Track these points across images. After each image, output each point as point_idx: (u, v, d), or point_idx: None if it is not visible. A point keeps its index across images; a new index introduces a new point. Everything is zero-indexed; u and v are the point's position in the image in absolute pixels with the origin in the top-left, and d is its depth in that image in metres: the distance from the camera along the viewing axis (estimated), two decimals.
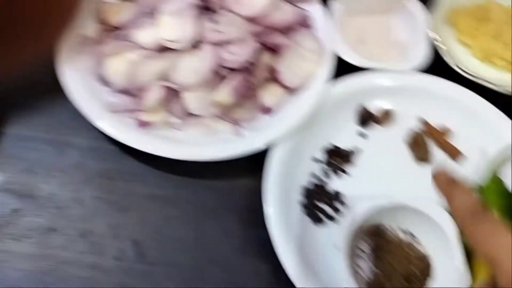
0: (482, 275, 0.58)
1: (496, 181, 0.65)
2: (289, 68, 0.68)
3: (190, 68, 0.65)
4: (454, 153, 0.70)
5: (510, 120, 0.70)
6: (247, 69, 0.67)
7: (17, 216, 0.62)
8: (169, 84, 0.65)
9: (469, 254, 0.61)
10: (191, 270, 0.61)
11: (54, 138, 0.68)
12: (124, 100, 0.67)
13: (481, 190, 0.64)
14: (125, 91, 0.67)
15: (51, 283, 0.59)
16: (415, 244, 0.62)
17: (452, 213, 0.46)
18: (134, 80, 0.65)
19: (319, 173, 0.67)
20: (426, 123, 0.71)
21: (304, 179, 0.67)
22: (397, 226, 0.63)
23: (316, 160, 0.68)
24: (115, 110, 0.65)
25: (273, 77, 0.69)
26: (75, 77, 0.66)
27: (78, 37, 0.69)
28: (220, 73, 0.66)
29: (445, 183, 0.46)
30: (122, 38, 0.68)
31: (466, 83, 0.72)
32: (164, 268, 0.61)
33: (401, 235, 0.63)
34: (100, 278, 0.60)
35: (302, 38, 0.70)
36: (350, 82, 0.71)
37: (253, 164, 0.67)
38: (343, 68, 0.71)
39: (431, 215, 0.61)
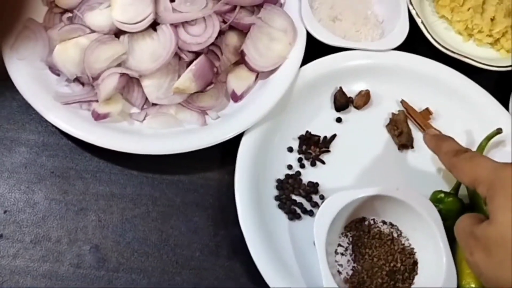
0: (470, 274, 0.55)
1: None
2: (257, 49, 0.63)
3: (148, 52, 0.59)
4: None
5: (494, 99, 0.66)
6: (210, 51, 0.62)
7: None
8: (126, 70, 0.59)
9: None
10: (157, 276, 0.56)
11: (2, 134, 0.61)
12: (77, 90, 0.61)
13: None
14: (78, 80, 0.61)
15: None
16: (399, 238, 0.58)
17: (441, 159, 0.54)
18: (87, 68, 0.58)
19: (294, 163, 0.62)
20: (406, 105, 0.66)
21: (278, 171, 0.62)
22: (379, 219, 0.59)
23: (291, 150, 0.63)
24: (67, 102, 0.59)
25: (240, 60, 0.63)
26: (22, 66, 0.60)
27: (25, 21, 0.62)
28: (181, 57, 0.60)
29: (433, 139, 0.57)
30: (73, 21, 0.61)
31: (447, 61, 0.68)
32: (127, 274, 0.56)
33: (384, 229, 0.59)
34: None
35: (271, 16, 0.64)
36: (324, 63, 0.66)
37: (222, 157, 0.62)
38: (316, 49, 0.66)
39: (414, 206, 0.56)
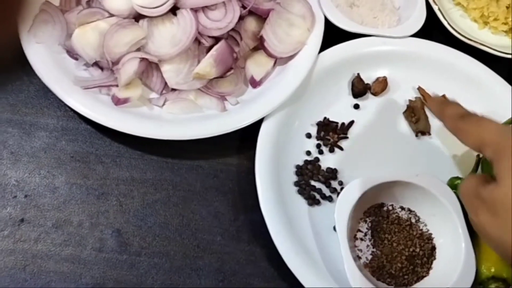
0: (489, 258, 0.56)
1: None
2: (276, 35, 0.62)
3: (168, 37, 0.58)
4: None
5: (509, 86, 0.67)
6: (230, 37, 0.61)
7: None
8: (146, 55, 0.58)
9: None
10: (179, 260, 0.56)
11: (20, 118, 0.61)
12: (96, 74, 0.61)
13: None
14: (97, 64, 0.61)
15: (25, 280, 0.54)
16: (418, 223, 0.59)
17: (446, 124, 0.52)
18: (107, 52, 0.58)
19: (312, 150, 0.62)
20: (423, 92, 0.66)
21: (296, 157, 0.62)
22: (398, 205, 0.59)
23: (309, 136, 0.63)
24: (87, 86, 0.59)
25: (259, 46, 0.63)
26: (41, 51, 0.60)
27: (43, 5, 0.61)
28: (200, 42, 0.60)
29: (438, 104, 0.56)
30: (91, 5, 0.61)
31: (464, 48, 0.68)
32: (149, 258, 0.56)
33: (403, 214, 0.59)
34: (80, 271, 0.55)
35: (289, 1, 0.64)
36: (342, 50, 0.66)
37: (241, 142, 0.62)
38: (334, 35, 0.66)
39: (434, 192, 0.57)
